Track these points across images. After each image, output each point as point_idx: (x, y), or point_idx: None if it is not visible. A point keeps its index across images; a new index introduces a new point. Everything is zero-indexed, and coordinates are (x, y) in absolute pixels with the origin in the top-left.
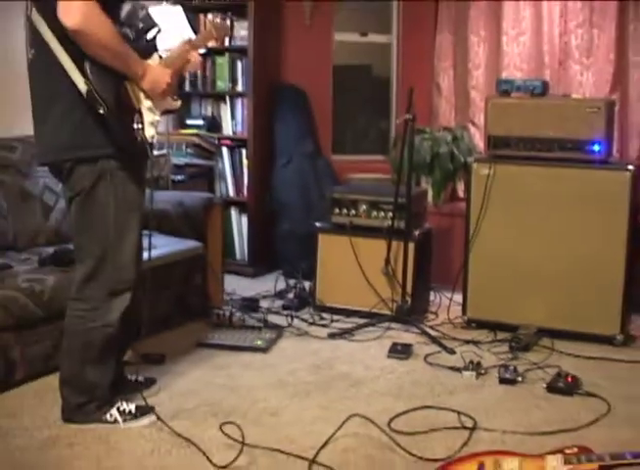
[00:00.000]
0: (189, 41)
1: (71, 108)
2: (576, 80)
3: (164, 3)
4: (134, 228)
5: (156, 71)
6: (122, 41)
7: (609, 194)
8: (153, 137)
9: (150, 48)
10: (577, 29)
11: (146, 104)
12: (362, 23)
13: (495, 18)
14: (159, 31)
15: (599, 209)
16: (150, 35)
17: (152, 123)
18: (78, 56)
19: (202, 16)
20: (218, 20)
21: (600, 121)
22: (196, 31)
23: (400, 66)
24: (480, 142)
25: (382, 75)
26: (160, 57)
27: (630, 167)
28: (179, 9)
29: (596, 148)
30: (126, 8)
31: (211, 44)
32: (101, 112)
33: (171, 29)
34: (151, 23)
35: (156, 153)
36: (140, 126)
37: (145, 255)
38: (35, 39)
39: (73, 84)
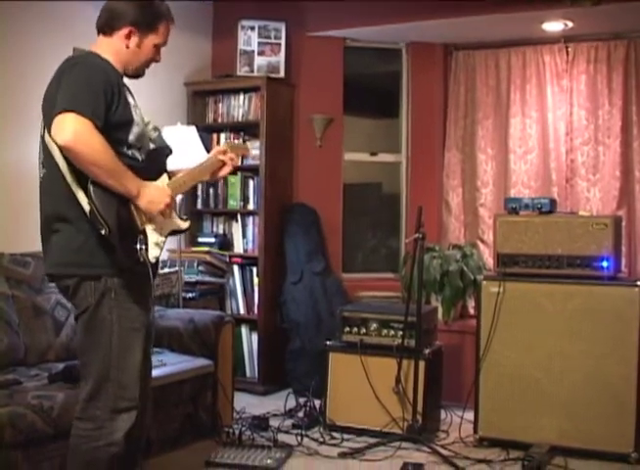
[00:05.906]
0: (198, 167)
1: (76, 227)
2: (584, 197)
3: (178, 124)
4: (138, 347)
5: (152, 191)
6: (116, 160)
7: (618, 310)
8: (156, 258)
9: (158, 169)
10: (583, 147)
11: (151, 224)
12: (372, 142)
13: (502, 136)
14: (170, 153)
15: (609, 325)
16: (161, 156)
17: (157, 244)
18: (83, 177)
19: (215, 135)
20: (237, 141)
21: (607, 238)
22: (209, 151)
23: (410, 184)
24: (489, 259)
25: (392, 193)
26: (170, 177)
27: (639, 283)
28: (193, 129)
29: (604, 264)
30: (135, 130)
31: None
32: (103, 232)
33: (184, 149)
34: (163, 144)
35: (167, 270)
36: (144, 247)
37: (154, 372)
38: (47, 159)
39: (79, 204)
